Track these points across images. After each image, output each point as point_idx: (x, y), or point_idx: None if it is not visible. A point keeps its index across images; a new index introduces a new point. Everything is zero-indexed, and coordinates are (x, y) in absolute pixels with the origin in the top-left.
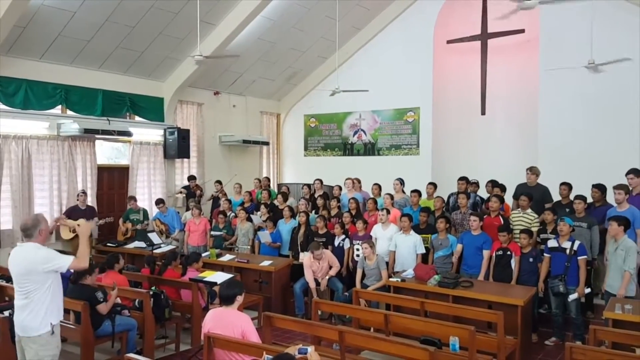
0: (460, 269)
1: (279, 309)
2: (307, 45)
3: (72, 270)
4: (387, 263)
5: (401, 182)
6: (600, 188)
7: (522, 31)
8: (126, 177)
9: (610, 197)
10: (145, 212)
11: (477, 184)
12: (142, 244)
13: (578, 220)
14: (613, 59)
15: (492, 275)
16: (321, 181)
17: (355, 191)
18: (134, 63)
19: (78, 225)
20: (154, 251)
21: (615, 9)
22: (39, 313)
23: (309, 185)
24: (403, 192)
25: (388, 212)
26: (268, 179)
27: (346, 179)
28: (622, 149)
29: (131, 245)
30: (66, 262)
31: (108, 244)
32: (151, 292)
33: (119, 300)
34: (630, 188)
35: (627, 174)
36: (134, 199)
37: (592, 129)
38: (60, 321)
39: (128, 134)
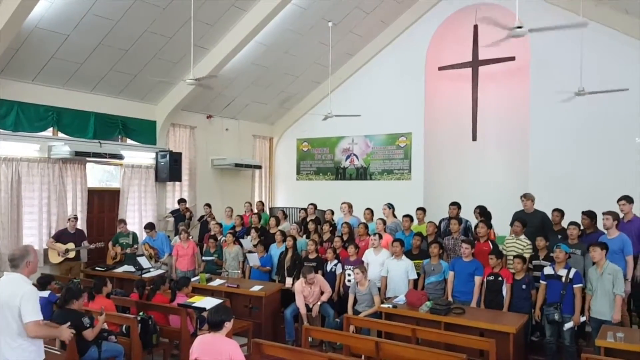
0: (452, 295)
1: (269, 335)
2: (300, 70)
3: (57, 295)
4: (379, 288)
5: (389, 206)
6: (589, 215)
7: (513, 58)
8: (117, 200)
9: (601, 224)
10: (135, 235)
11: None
12: (131, 268)
13: (572, 247)
14: (604, 88)
15: (483, 302)
16: (315, 205)
17: (350, 216)
18: (127, 86)
19: (66, 250)
20: (143, 275)
21: (605, 37)
22: (16, 350)
23: (305, 210)
24: (394, 216)
25: (380, 237)
26: (262, 203)
27: (342, 203)
28: (613, 176)
29: (120, 270)
30: (32, 317)
31: (97, 268)
32: (139, 318)
33: (105, 326)
34: (622, 214)
35: (619, 200)
36: (124, 222)
37: (583, 155)
38: (45, 346)
39: (120, 156)
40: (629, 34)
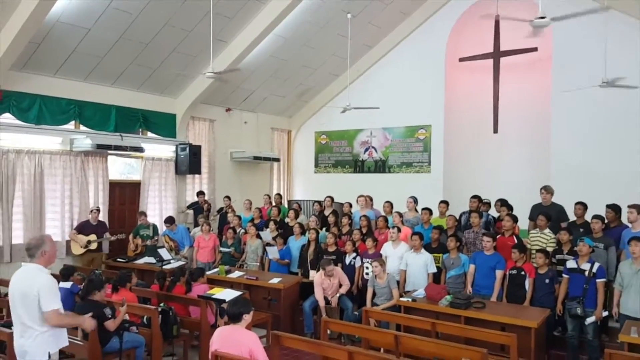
0: (472, 289)
1: (287, 328)
2: (319, 63)
3: (79, 286)
4: (397, 282)
5: (415, 200)
6: (614, 208)
7: (535, 49)
8: (137, 192)
9: (625, 217)
10: (155, 227)
11: (488, 204)
12: (152, 260)
13: (595, 241)
14: (627, 80)
15: (505, 296)
16: (332, 198)
17: (368, 209)
18: (147, 80)
19: (89, 241)
20: (164, 267)
21: (629, 27)
22: (36, 340)
23: (319, 202)
24: (416, 210)
25: (399, 230)
26: (280, 196)
27: (359, 197)
28: (636, 168)
29: (141, 261)
30: (52, 306)
31: (118, 260)
32: (160, 309)
33: (127, 317)
34: None
35: None
36: (144, 214)
37: (606, 148)
38: (68, 337)
39: (140, 149)
40: None
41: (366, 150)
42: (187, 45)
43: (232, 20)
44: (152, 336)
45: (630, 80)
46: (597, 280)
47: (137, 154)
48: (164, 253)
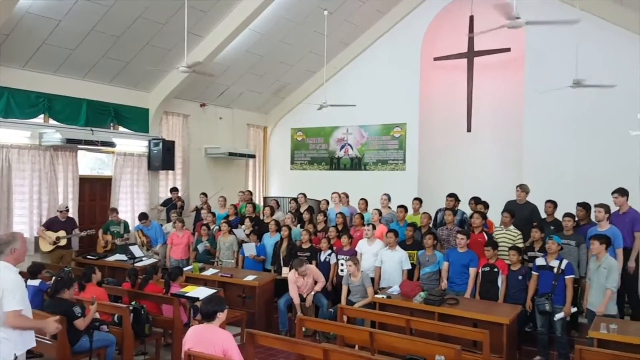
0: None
1: (262, 325)
2: (295, 59)
3: (47, 284)
4: (372, 279)
5: (388, 197)
6: (584, 206)
7: (508, 50)
8: (108, 188)
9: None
10: (126, 224)
11: (458, 201)
12: (123, 257)
13: (566, 238)
14: (598, 82)
15: (478, 293)
16: (305, 195)
17: (343, 206)
18: (119, 73)
19: (58, 238)
20: (136, 264)
21: (601, 29)
22: (1, 340)
23: (295, 199)
24: (389, 207)
25: (374, 227)
26: (250, 192)
27: (332, 193)
28: (606, 168)
29: (112, 258)
30: (12, 307)
31: (88, 257)
32: (131, 307)
33: (97, 315)
34: (617, 207)
35: (613, 192)
36: (115, 210)
37: (577, 147)
38: (36, 336)
39: (111, 144)
40: (624, 27)
41: (342, 147)
42: (161, 38)
43: (207, 14)
44: (123, 335)
45: (601, 80)
46: (566, 277)
47: (109, 149)
48: (135, 250)
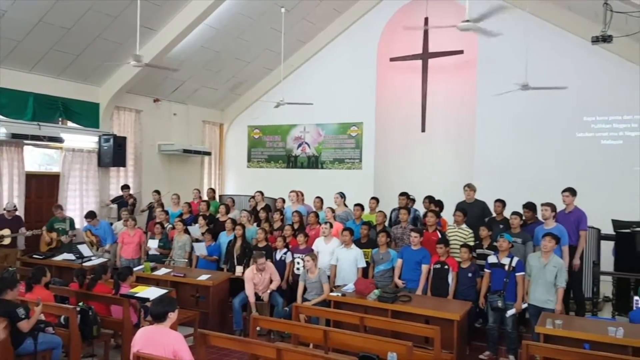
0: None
1: (216, 325)
2: (252, 56)
3: None
4: (328, 277)
5: (341, 195)
6: (531, 207)
7: (461, 52)
8: (57, 185)
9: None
10: (71, 221)
11: (413, 200)
12: (71, 256)
13: (514, 236)
14: (546, 84)
15: (430, 289)
16: (262, 193)
17: (300, 204)
18: (68, 66)
19: (1, 236)
20: (84, 264)
21: (549, 33)
22: None
23: (254, 198)
24: (345, 205)
25: (331, 225)
26: (213, 190)
27: (290, 192)
28: (553, 168)
29: (59, 258)
30: None
31: (34, 256)
32: (78, 308)
33: (42, 317)
34: (564, 205)
35: (563, 191)
36: (60, 207)
37: (526, 147)
38: None
39: (60, 140)
40: (572, 32)
41: (299, 145)
42: (113, 31)
43: (161, 7)
44: (70, 337)
45: (549, 83)
46: (517, 274)
47: (56, 144)
48: (84, 249)
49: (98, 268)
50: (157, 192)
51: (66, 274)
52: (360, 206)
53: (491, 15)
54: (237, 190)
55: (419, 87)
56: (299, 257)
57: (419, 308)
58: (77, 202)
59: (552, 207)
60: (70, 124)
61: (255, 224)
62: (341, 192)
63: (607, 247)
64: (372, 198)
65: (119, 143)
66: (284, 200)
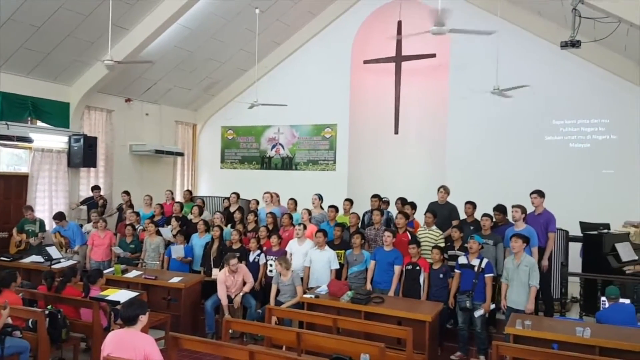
0: (372, 284)
1: (188, 328)
2: (226, 57)
3: None
4: (302, 279)
5: (320, 197)
6: (501, 210)
7: (434, 55)
8: (25, 186)
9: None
10: (42, 223)
11: (387, 202)
12: (40, 259)
13: (484, 238)
14: (515, 85)
15: (402, 290)
16: (238, 194)
17: (274, 206)
18: (38, 65)
19: None
20: (53, 266)
21: (520, 38)
22: None
23: (228, 199)
24: (321, 207)
25: (305, 227)
26: (190, 192)
27: (264, 193)
28: (524, 170)
29: (28, 260)
30: None
31: (1, 258)
32: (47, 311)
33: (10, 321)
34: (533, 207)
35: (531, 193)
36: (30, 208)
37: (497, 150)
38: None
39: (28, 139)
40: (542, 36)
41: (273, 147)
42: (84, 30)
43: (133, 6)
44: (38, 341)
45: (521, 86)
46: (485, 275)
47: (25, 144)
48: (52, 251)
49: (67, 270)
50: (127, 193)
51: (34, 277)
52: (334, 208)
53: (462, 18)
54: (211, 192)
55: (392, 90)
56: (272, 259)
57: (391, 309)
58: (46, 203)
59: (522, 209)
60: (39, 123)
61: (229, 225)
62: (319, 194)
63: (575, 248)
64: (347, 199)
65: (90, 143)
66: (257, 202)
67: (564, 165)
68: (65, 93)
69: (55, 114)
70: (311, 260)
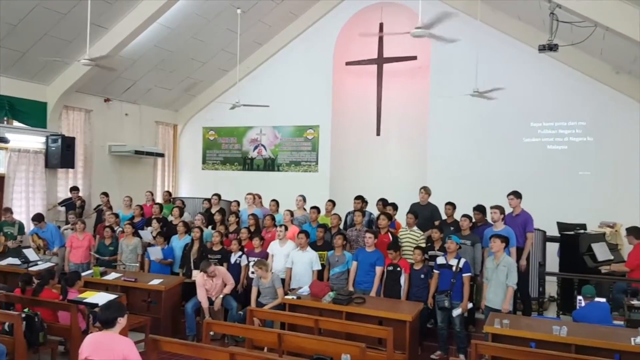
0: (354, 285)
1: (168, 331)
2: (207, 57)
3: None
4: (283, 280)
5: (304, 198)
6: (480, 210)
7: (415, 58)
8: (1, 187)
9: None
10: (21, 225)
11: (366, 202)
12: (16, 261)
13: (463, 238)
14: (493, 88)
15: (383, 291)
16: (219, 196)
17: (256, 207)
18: (15, 64)
19: None
20: (30, 269)
21: (499, 40)
22: None
23: (209, 200)
24: (304, 209)
25: (286, 228)
26: (170, 193)
27: (247, 194)
28: (502, 171)
29: (4, 262)
30: None
31: None
32: (24, 315)
33: None
34: (511, 208)
35: (508, 195)
36: (10, 210)
37: (476, 152)
38: None
39: (4, 140)
40: (521, 40)
41: (255, 148)
42: (62, 29)
43: (112, 5)
44: (14, 344)
45: (498, 89)
46: (463, 275)
47: (1, 144)
48: (30, 254)
49: (45, 273)
50: (106, 194)
51: (11, 280)
52: (316, 209)
53: (442, 22)
54: (192, 193)
55: (374, 91)
56: (254, 261)
57: (372, 310)
58: (23, 204)
59: (501, 209)
60: (16, 123)
61: (210, 226)
62: (303, 195)
63: (553, 248)
64: (329, 201)
65: (68, 144)
66: (238, 203)
67: (542, 166)
68: (42, 92)
69: (32, 113)
70: (293, 261)
